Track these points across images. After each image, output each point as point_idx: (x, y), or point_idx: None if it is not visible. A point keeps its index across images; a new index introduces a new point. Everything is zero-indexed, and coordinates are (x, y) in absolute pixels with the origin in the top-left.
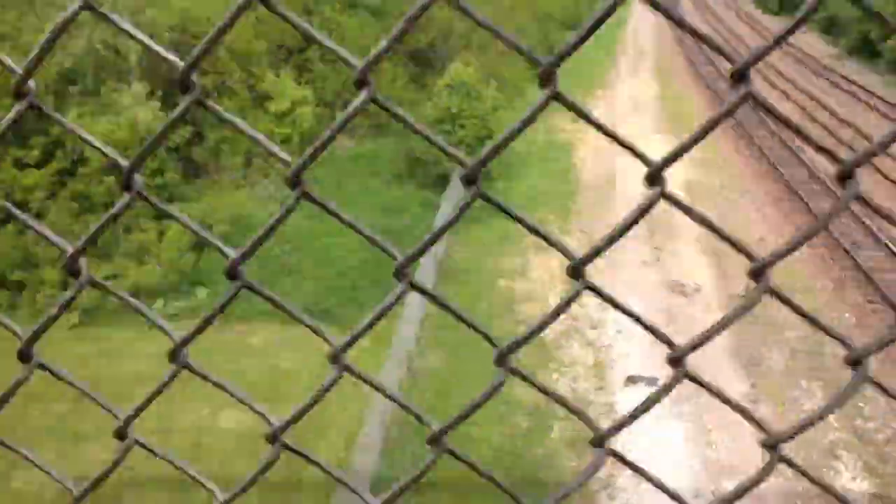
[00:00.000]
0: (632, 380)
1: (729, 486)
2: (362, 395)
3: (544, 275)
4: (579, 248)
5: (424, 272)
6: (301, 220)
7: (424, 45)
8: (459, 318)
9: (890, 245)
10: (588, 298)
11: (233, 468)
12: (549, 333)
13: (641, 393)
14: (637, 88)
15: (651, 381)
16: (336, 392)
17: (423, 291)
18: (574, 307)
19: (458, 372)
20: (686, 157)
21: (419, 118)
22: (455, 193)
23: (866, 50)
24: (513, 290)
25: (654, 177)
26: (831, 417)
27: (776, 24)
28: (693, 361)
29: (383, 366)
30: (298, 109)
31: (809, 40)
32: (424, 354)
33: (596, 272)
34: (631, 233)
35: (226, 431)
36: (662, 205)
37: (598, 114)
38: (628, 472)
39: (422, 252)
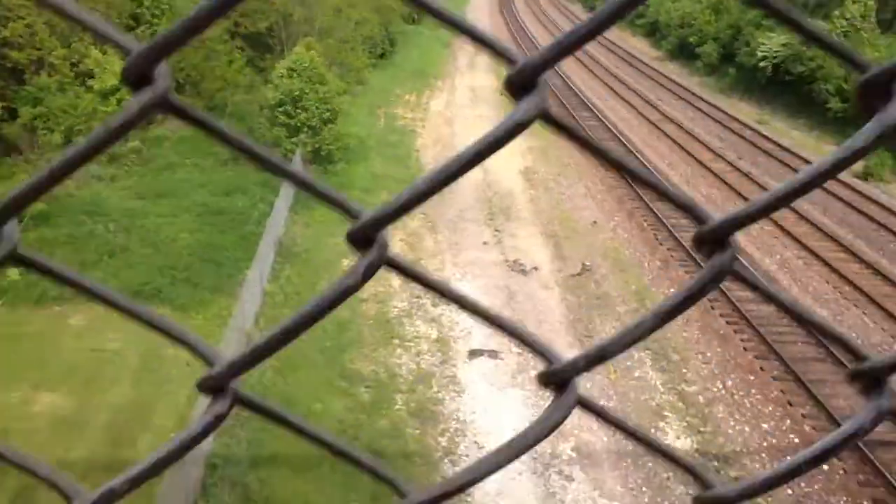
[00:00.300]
0: (474, 353)
1: (566, 448)
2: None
3: None
4: (421, 229)
5: (263, 252)
6: (129, 201)
7: (263, 30)
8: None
9: None
10: (429, 275)
11: (49, 452)
12: (392, 311)
13: (484, 366)
14: (475, 80)
15: (493, 353)
16: (166, 374)
17: None
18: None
19: (297, 353)
20: (523, 145)
21: (258, 101)
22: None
23: (685, 53)
24: None
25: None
26: (657, 382)
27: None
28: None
29: (220, 342)
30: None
31: (637, 44)
32: (264, 333)
33: (437, 251)
34: (471, 216)
35: (39, 415)
36: (502, 190)
37: (438, 104)
38: (469, 441)
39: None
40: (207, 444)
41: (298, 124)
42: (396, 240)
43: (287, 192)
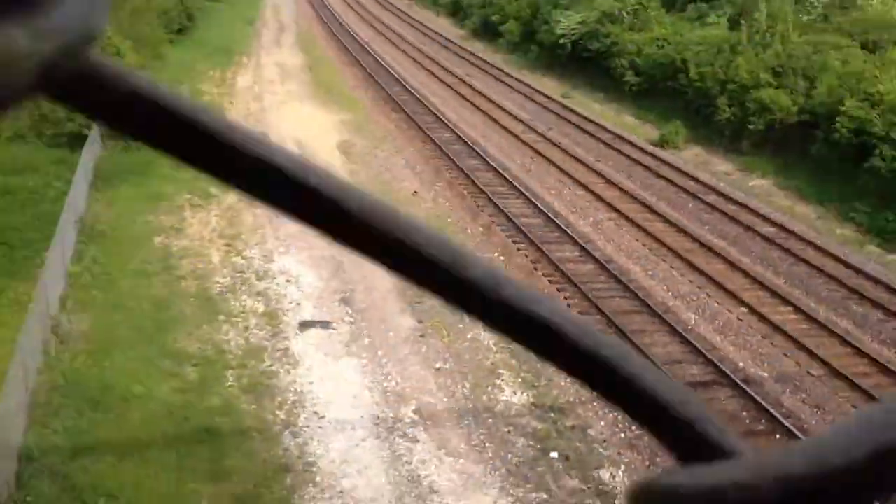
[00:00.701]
0: (305, 325)
1: (408, 411)
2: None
3: (203, 231)
4: (238, 203)
5: (63, 232)
6: None
7: None
8: None
9: (527, 195)
10: (251, 251)
11: None
12: (215, 287)
13: (317, 336)
14: (282, 57)
15: (325, 324)
16: None
17: None
18: (238, 260)
19: (111, 335)
20: (338, 121)
21: None
22: (93, 151)
23: (489, 31)
24: (169, 248)
25: None
26: (490, 342)
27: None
28: (362, 303)
29: (21, 329)
30: None
31: (443, 23)
32: (72, 317)
33: (258, 226)
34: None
35: None
36: (320, 162)
37: (245, 80)
38: (309, 411)
39: None
40: (18, 436)
41: None
42: (212, 215)
43: (86, 168)
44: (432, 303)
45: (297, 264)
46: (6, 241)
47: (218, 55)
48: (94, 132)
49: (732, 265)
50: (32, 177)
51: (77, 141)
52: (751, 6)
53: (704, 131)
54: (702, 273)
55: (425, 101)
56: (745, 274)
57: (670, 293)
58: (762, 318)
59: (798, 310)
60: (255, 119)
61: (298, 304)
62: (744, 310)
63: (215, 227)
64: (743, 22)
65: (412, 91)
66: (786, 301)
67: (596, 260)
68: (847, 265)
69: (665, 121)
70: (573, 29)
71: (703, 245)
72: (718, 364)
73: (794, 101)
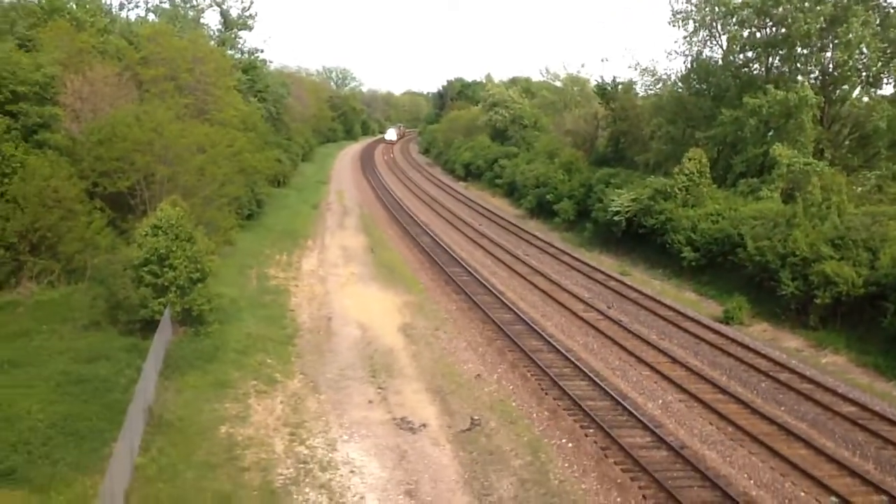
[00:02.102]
0: None
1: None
2: None
3: (267, 419)
4: (303, 389)
5: (132, 422)
6: None
7: (124, 189)
8: None
9: (592, 376)
10: (315, 439)
11: None
12: (277, 479)
13: None
14: (345, 240)
15: None
16: None
17: None
18: (302, 450)
19: None
20: (398, 301)
21: (122, 262)
22: (164, 336)
23: (544, 211)
24: (233, 437)
25: None
26: None
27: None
28: (427, 497)
29: None
30: None
31: (499, 203)
32: None
33: (321, 413)
34: (353, 374)
35: None
36: (382, 346)
37: (310, 263)
38: None
39: None
40: None
41: (166, 283)
42: (277, 401)
43: (157, 355)
44: (500, 494)
45: (361, 453)
46: (75, 432)
47: (284, 239)
48: (165, 318)
49: (816, 450)
50: (105, 365)
51: (149, 327)
52: (803, 180)
53: (769, 306)
54: (784, 459)
55: (485, 281)
56: (830, 458)
57: (752, 481)
58: None
59: (893, 498)
60: (319, 302)
61: (362, 497)
62: (835, 499)
63: (280, 414)
64: (797, 195)
65: (472, 271)
66: (878, 489)
67: (669, 446)
68: None
69: (727, 296)
70: (627, 207)
71: (781, 427)
72: None
73: (859, 272)
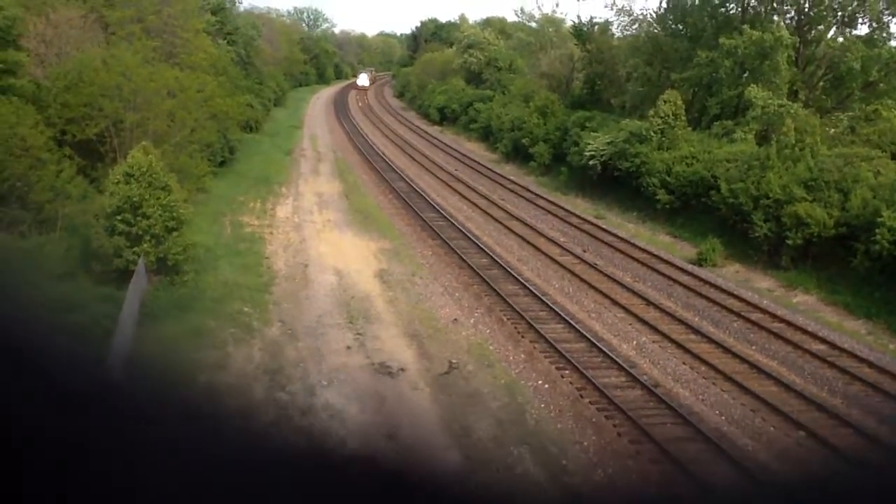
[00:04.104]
0: None
1: None
2: None
3: (246, 366)
4: (281, 337)
5: (112, 368)
6: None
7: (93, 136)
8: None
9: (567, 319)
10: (294, 385)
11: None
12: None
13: None
14: (320, 186)
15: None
16: None
17: None
18: (281, 395)
19: None
20: (376, 249)
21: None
22: (139, 286)
23: (520, 155)
24: (214, 385)
25: None
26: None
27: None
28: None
29: None
30: None
31: (474, 147)
32: None
33: (300, 359)
34: (331, 320)
35: None
36: (359, 293)
37: (285, 210)
38: None
39: None
40: None
41: (140, 232)
42: (255, 349)
43: (132, 305)
44: (479, 435)
45: (341, 398)
46: None
47: (258, 186)
48: (140, 267)
49: (786, 386)
50: (81, 315)
51: (124, 277)
52: (777, 122)
53: (742, 248)
54: (754, 395)
55: (461, 226)
56: (800, 395)
57: (724, 417)
58: (823, 442)
59: (859, 431)
60: (294, 249)
61: (343, 440)
62: (802, 433)
63: (259, 362)
64: (771, 137)
65: (448, 217)
66: (845, 423)
67: (643, 385)
68: None
69: (700, 238)
70: (602, 150)
71: (752, 366)
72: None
73: (830, 214)
